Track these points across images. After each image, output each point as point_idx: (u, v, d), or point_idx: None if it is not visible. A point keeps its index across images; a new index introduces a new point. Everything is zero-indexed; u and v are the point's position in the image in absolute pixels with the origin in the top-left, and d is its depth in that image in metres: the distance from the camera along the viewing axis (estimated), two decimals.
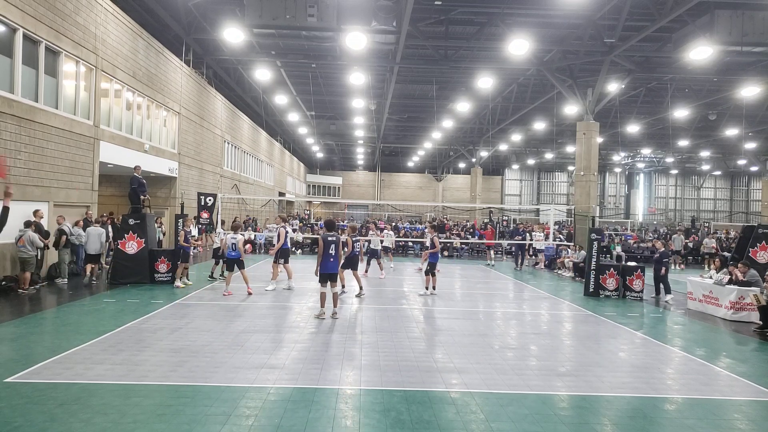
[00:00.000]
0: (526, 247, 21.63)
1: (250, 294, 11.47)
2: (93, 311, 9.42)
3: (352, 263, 11.93)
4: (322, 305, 9.54)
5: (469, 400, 5.49)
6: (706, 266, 22.63)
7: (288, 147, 46.62)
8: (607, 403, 5.62)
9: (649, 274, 13.29)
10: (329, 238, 9.39)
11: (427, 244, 19.31)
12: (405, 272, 17.68)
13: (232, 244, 11.45)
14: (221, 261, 12.81)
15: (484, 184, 50.89)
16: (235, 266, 11.59)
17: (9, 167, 10.76)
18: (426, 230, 21.36)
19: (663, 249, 13.79)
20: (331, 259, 9.35)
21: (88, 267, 12.72)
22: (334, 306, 9.60)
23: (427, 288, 12.48)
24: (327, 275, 9.41)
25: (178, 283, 12.40)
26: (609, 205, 59.12)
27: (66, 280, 12.53)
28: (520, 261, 20.03)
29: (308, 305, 10.60)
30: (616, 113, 29.91)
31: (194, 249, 20.66)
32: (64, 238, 12.43)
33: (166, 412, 4.92)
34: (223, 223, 19.23)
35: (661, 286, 12.97)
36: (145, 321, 8.69)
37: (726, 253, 17.30)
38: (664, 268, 12.86)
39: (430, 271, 12.38)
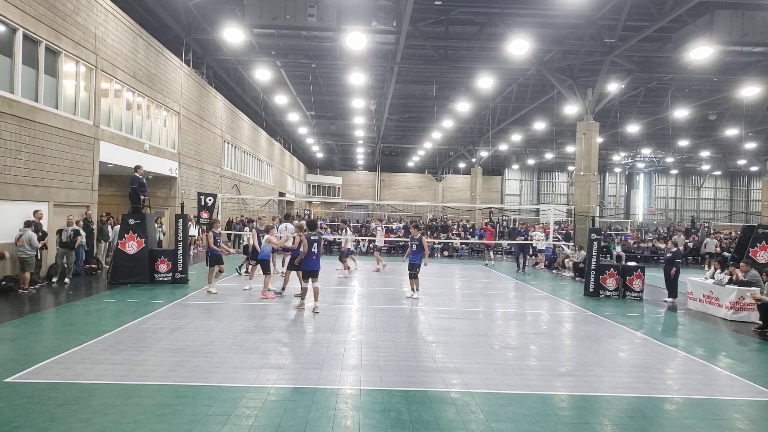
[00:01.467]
0: (528, 248, 20.47)
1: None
2: (93, 311, 9.42)
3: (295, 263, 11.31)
4: (303, 297, 10.17)
5: (469, 400, 5.49)
6: (706, 266, 22.60)
7: (288, 147, 46.62)
8: (607, 403, 5.62)
9: (652, 274, 13.10)
10: (312, 237, 9.94)
11: (376, 241, 19.15)
12: (403, 273, 17.64)
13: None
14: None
15: (484, 184, 50.87)
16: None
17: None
18: (377, 228, 21.07)
19: (675, 249, 13.24)
20: (314, 257, 9.94)
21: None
22: (315, 300, 10.05)
23: (413, 290, 11.95)
24: (310, 272, 9.98)
25: (211, 289, 11.72)
26: (609, 205, 59.12)
27: (67, 279, 12.48)
28: (522, 263, 18.75)
29: (307, 305, 10.59)
30: (616, 113, 29.91)
31: (195, 249, 20.72)
32: (78, 238, 12.59)
33: (166, 412, 4.92)
34: (251, 221, 19.31)
35: (672, 288, 12.65)
36: (145, 321, 8.69)
37: (726, 253, 17.26)
38: (674, 269, 12.54)
39: (414, 274, 11.85)
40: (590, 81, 21.67)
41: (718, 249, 22.99)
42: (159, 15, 17.66)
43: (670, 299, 12.63)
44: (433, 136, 40.31)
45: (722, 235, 28.24)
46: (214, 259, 11.82)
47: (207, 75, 24.57)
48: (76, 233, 12.53)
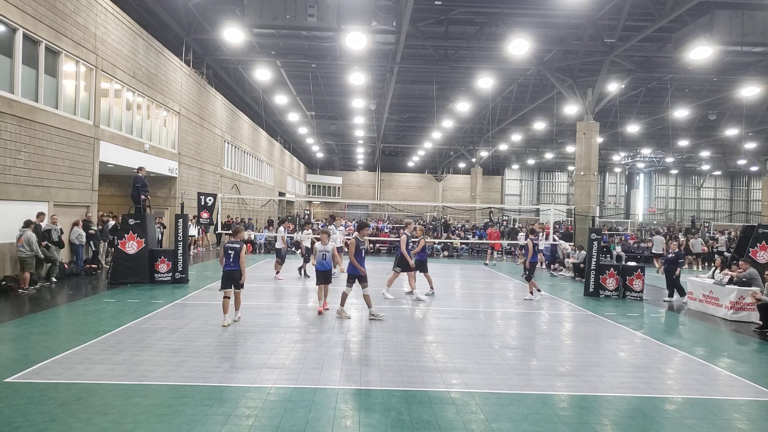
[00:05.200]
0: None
1: (326, 310, 9.93)
2: (93, 311, 9.42)
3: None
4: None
5: (469, 400, 5.49)
6: (690, 266, 22.55)
7: (288, 147, 46.61)
8: (607, 403, 5.61)
9: (652, 274, 13.07)
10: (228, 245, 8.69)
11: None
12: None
13: (323, 254, 9.53)
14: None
15: (484, 184, 50.89)
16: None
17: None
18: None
19: (678, 249, 13.30)
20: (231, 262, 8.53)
21: None
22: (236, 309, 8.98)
23: (531, 292, 12.30)
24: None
25: (341, 310, 9.56)
26: (609, 205, 59.15)
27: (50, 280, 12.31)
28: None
29: (308, 305, 10.60)
30: (616, 113, 29.93)
31: (195, 249, 20.72)
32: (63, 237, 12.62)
33: (166, 412, 4.92)
34: (309, 224, 19.36)
35: (673, 288, 12.70)
36: (145, 321, 8.69)
37: (726, 253, 17.27)
38: (678, 269, 12.59)
39: (531, 275, 12.26)
40: (590, 81, 21.68)
41: (705, 249, 23.00)
42: (159, 15, 17.67)
43: (670, 299, 12.65)
44: (433, 136, 40.32)
45: (716, 236, 28.19)
46: (352, 277, 9.37)
47: (207, 75, 24.57)
48: (62, 232, 12.54)
